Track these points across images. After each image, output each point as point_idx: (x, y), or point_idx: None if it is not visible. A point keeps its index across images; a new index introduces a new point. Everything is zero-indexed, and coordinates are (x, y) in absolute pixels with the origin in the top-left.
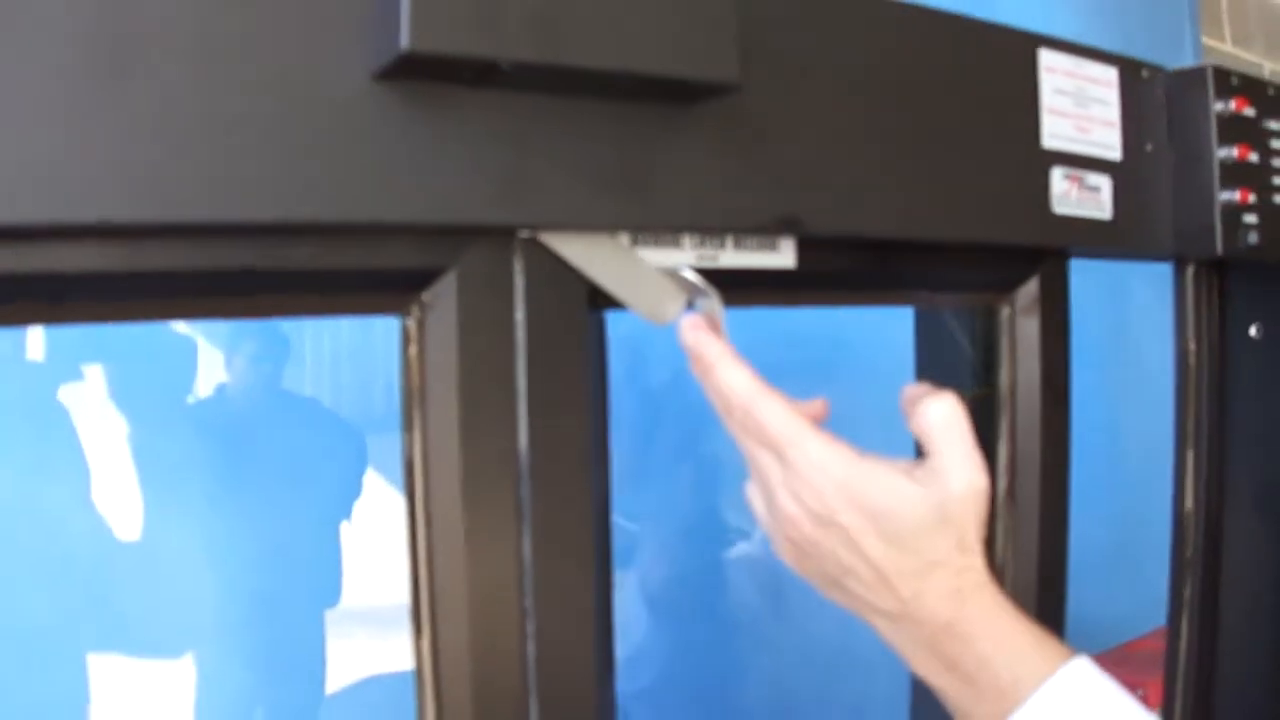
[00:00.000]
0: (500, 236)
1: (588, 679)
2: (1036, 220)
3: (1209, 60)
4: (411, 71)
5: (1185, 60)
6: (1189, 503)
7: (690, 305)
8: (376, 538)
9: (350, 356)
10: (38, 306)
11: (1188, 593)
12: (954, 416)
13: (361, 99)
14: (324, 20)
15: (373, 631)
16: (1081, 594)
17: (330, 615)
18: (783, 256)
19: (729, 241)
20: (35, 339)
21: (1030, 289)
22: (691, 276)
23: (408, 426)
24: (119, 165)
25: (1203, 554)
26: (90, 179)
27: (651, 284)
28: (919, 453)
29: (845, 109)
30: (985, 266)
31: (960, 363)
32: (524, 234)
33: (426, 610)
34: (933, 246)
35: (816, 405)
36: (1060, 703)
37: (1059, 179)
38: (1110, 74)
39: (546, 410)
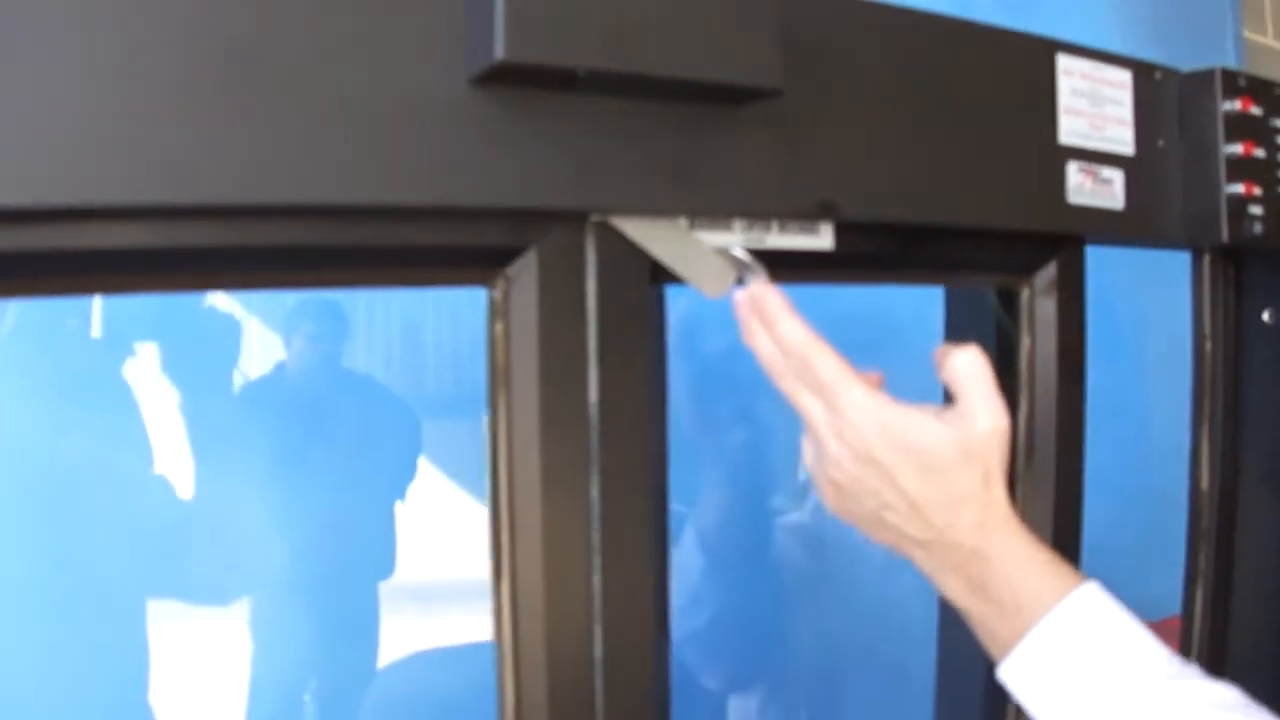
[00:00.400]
0: (575, 220)
1: (646, 603)
2: (1053, 209)
3: (1251, 54)
4: (503, 78)
5: (1227, 53)
6: (1204, 481)
7: (739, 281)
8: (425, 519)
9: (402, 339)
10: (181, 275)
11: (1202, 563)
12: (978, 365)
13: (460, 101)
14: (427, 36)
15: (420, 609)
16: (1120, 570)
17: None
18: (822, 239)
19: (774, 225)
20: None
21: (1049, 272)
22: (741, 255)
23: (493, 384)
24: (255, 156)
25: (1216, 527)
26: (234, 167)
27: (706, 261)
28: (947, 400)
29: (878, 108)
30: (1007, 251)
31: (986, 339)
32: (595, 217)
33: (507, 549)
34: (958, 232)
35: (873, 376)
36: (1072, 621)
37: (1074, 172)
38: (1124, 76)
39: (614, 370)
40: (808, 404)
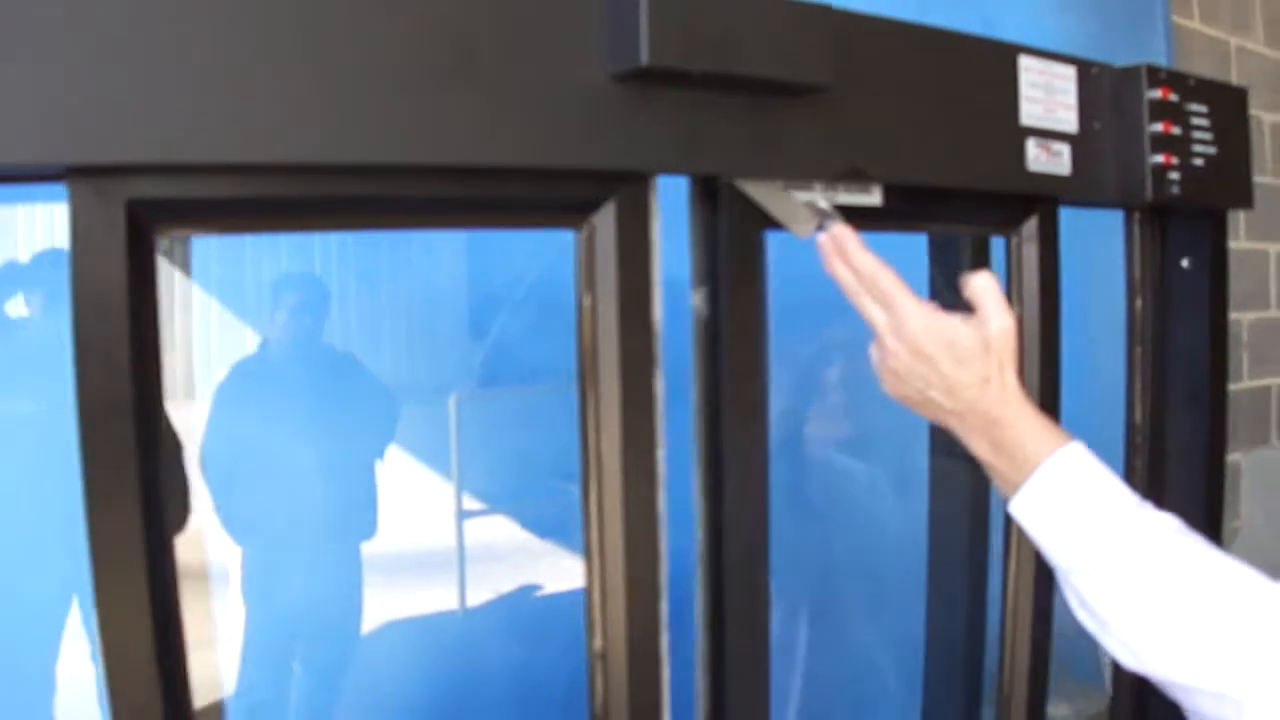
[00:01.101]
0: (639, 180)
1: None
2: (1017, 175)
3: (1180, 37)
4: (638, 76)
5: (1157, 37)
6: (1138, 413)
7: (819, 227)
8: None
9: (362, 337)
10: (361, 216)
11: (1138, 470)
12: (991, 282)
13: (600, 92)
14: (580, 43)
15: (390, 581)
16: None
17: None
18: (874, 197)
19: (840, 186)
20: None
21: (1031, 225)
22: (824, 205)
23: (581, 305)
24: (448, 128)
25: (1149, 446)
26: (435, 134)
27: (797, 211)
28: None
29: (899, 100)
30: (1000, 208)
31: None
32: (722, 179)
33: (594, 441)
34: (965, 193)
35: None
36: (1063, 466)
37: (1032, 146)
38: (1070, 71)
39: (737, 289)
40: (874, 312)
